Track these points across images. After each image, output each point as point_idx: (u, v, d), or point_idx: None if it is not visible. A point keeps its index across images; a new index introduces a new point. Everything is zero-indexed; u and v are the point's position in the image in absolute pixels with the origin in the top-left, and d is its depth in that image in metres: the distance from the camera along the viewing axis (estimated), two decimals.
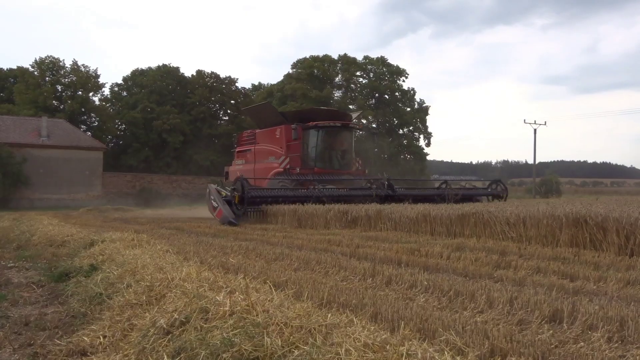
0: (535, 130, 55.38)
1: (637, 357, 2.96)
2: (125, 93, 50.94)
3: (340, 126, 20.40)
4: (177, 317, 3.69)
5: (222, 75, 51.19)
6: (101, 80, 49.03)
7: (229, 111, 51.87)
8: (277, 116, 21.38)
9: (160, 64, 50.83)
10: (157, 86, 48.95)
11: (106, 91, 50.51)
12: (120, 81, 51.30)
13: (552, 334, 3.43)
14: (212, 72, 51.35)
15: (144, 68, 51.62)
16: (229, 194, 15.09)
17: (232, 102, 51.30)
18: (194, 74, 51.11)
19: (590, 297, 4.41)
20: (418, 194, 17.86)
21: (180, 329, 3.55)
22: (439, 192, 18.24)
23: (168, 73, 50.60)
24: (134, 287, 5.06)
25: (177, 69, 51.15)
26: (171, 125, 46.01)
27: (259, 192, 16.29)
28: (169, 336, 3.49)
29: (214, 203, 14.74)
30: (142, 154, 46.43)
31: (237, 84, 52.14)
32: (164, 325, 3.62)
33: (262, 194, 16.21)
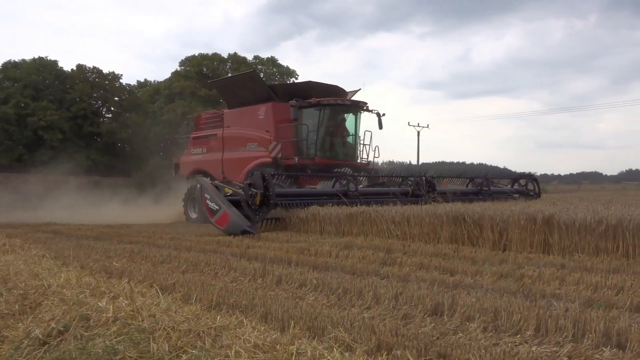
0: (418, 132, 58.02)
1: (509, 344, 3.18)
2: None
3: (350, 105, 16.22)
4: (54, 326, 3.47)
5: (105, 71, 48.84)
6: None
7: (112, 108, 49.60)
8: (264, 90, 16.51)
9: (36, 57, 47.50)
10: (32, 80, 45.61)
11: None
12: None
13: (434, 326, 3.59)
14: (94, 67, 48.70)
15: (17, 60, 47.99)
16: (239, 191, 11.05)
17: (116, 99, 49.10)
18: (74, 68, 48.25)
19: (468, 290, 4.67)
20: (457, 191, 14.97)
21: (58, 339, 3.35)
22: (476, 190, 15.41)
23: (45, 66, 47.35)
24: (5, 296, 4.69)
25: (55, 62, 47.99)
26: (48, 122, 43.10)
27: (287, 189, 12.49)
28: (46, 347, 3.27)
29: (212, 205, 10.58)
30: (15, 152, 43.09)
31: (121, 80, 49.94)
32: (40, 336, 3.39)
33: (294, 192, 12.43)
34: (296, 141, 15.58)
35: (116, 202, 24.17)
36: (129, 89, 51.33)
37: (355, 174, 14.01)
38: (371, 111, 16.38)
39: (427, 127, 59.45)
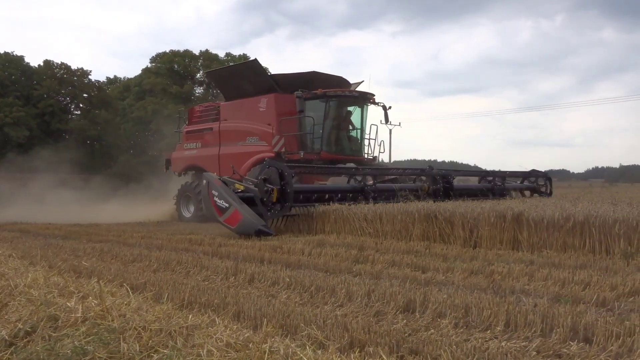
0: (390, 130, 58.24)
1: (480, 340, 3.23)
2: None
3: (358, 96, 15.17)
4: (21, 327, 3.40)
5: (74, 67, 47.97)
6: None
7: (81, 105, 48.76)
8: (266, 81, 15.44)
9: (2, 52, 46.48)
10: None
11: None
12: None
13: (406, 323, 3.62)
14: (62, 63, 47.76)
15: None
16: (251, 186, 9.95)
17: (85, 95, 48.27)
18: (41, 64, 47.31)
19: (439, 287, 4.72)
20: (471, 187, 14.34)
21: (25, 340, 3.28)
22: (489, 186, 14.63)
23: (11, 62, 46.24)
24: None
25: (22, 57, 46.92)
26: (14, 119, 42.19)
27: (307, 185, 11.68)
28: (12, 348, 3.20)
29: (221, 202, 9.67)
30: None
31: (90, 77, 49.09)
32: (6, 337, 3.32)
33: (313, 187, 11.63)
34: (300, 135, 14.61)
35: (91, 200, 23.66)
36: (98, 85, 50.51)
37: (374, 168, 13.03)
38: (377, 104, 15.57)
39: (399, 125, 59.80)
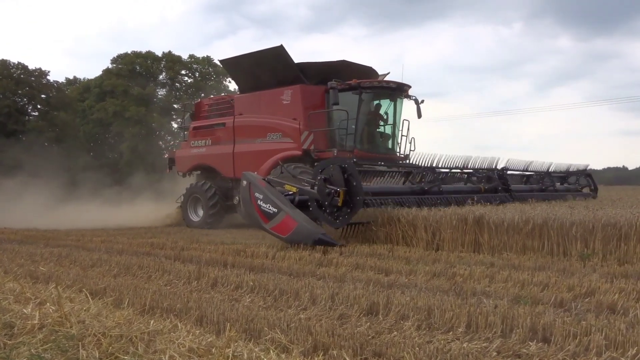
0: None
1: (442, 342, 3.26)
2: None
3: (395, 88, 13.35)
4: None
5: (31, 67, 46.79)
6: None
7: (39, 106, 47.59)
8: (292, 70, 13.60)
9: None
10: None
11: None
12: None
13: (370, 325, 3.64)
14: (19, 63, 46.62)
15: None
16: (307, 188, 8.76)
17: (43, 96, 47.13)
18: None
19: (402, 289, 4.76)
20: (525, 189, 13.11)
21: None
22: (538, 187, 13.75)
23: None
24: None
25: None
26: None
27: (376, 187, 9.71)
28: None
29: (267, 207, 8.37)
30: None
31: (48, 77, 47.96)
32: None
33: (383, 189, 9.62)
34: (331, 131, 13.06)
35: (49, 204, 22.93)
36: (56, 86, 49.38)
37: (438, 168, 11.10)
38: (410, 97, 13.92)
39: None
